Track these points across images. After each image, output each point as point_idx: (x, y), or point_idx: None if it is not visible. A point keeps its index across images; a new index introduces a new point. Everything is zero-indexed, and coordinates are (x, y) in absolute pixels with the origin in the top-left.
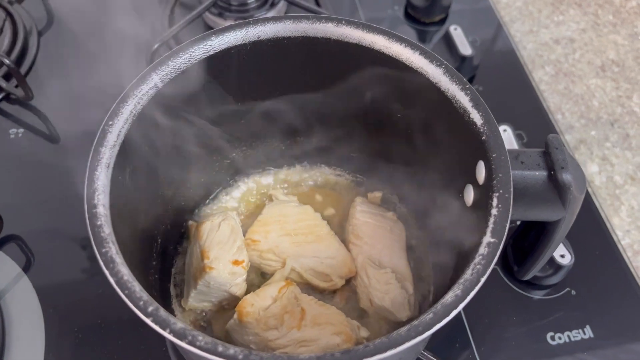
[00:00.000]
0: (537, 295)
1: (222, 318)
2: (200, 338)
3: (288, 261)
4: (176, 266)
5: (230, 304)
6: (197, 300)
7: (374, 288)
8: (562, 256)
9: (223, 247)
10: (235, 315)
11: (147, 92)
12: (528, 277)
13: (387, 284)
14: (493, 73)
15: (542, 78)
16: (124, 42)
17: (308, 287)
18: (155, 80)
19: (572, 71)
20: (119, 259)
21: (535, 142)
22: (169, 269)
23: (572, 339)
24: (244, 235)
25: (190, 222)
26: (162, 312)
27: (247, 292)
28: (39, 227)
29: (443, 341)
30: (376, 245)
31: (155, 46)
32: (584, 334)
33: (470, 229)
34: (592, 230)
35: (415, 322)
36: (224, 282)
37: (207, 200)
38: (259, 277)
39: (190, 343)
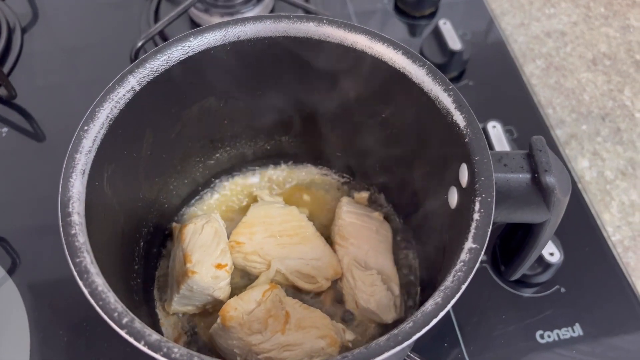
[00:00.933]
0: (527, 293)
1: (207, 322)
2: (175, 350)
3: (273, 263)
4: (160, 269)
5: (214, 307)
6: (180, 305)
7: (359, 290)
8: (552, 254)
9: (206, 251)
10: (218, 320)
11: (124, 95)
12: (515, 277)
13: (372, 286)
14: (483, 67)
15: (533, 72)
16: (109, 39)
17: (293, 289)
18: (132, 83)
19: (563, 65)
20: (93, 269)
21: (525, 138)
22: (153, 272)
23: (562, 336)
24: (229, 237)
25: (174, 224)
26: (137, 324)
27: (232, 294)
28: (25, 227)
29: (431, 340)
30: (362, 246)
31: (140, 43)
32: (573, 331)
33: (454, 231)
34: (582, 227)
35: (395, 332)
36: (207, 287)
37: (192, 201)
38: (243, 279)
39: (166, 355)
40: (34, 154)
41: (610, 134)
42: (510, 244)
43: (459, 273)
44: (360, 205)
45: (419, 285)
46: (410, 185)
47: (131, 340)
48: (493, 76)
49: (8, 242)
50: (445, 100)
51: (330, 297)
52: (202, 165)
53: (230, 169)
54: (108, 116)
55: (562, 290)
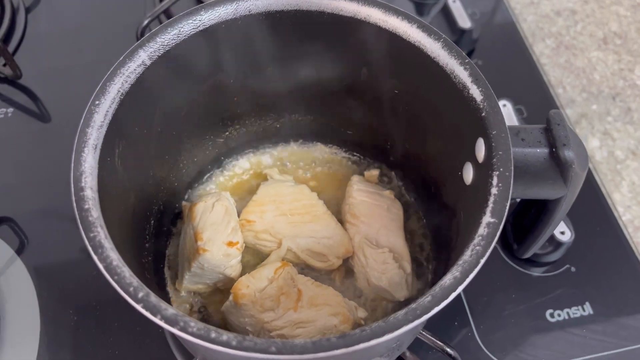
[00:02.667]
0: (536, 272)
1: (217, 300)
2: (192, 324)
3: (284, 241)
4: (170, 248)
5: (225, 285)
6: (191, 283)
7: (371, 268)
8: (562, 233)
9: (217, 229)
10: (230, 297)
11: (135, 69)
12: (527, 255)
13: (384, 264)
14: (492, 46)
15: (542, 51)
16: (114, 19)
17: (305, 268)
18: (143, 57)
19: (573, 44)
20: (107, 244)
21: (535, 117)
22: (163, 251)
23: (572, 315)
24: (239, 216)
25: (184, 203)
26: (153, 298)
27: (243, 273)
28: (32, 208)
29: (442, 320)
30: (373, 224)
31: (146, 22)
32: (584, 310)
33: (469, 207)
34: (592, 206)
35: (413, 306)
36: (218, 264)
37: (201, 180)
38: (254, 258)
39: (182, 329)
40: (39, 135)
41: (621, 113)
42: (523, 221)
43: (478, 247)
44: (371, 183)
45: (430, 262)
46: (422, 162)
47: (147, 314)
48: (502, 55)
49: (16, 223)
50: (462, 74)
51: (340, 275)
52: (212, 144)
53: (240, 148)
54: (119, 91)
55: (573, 269)
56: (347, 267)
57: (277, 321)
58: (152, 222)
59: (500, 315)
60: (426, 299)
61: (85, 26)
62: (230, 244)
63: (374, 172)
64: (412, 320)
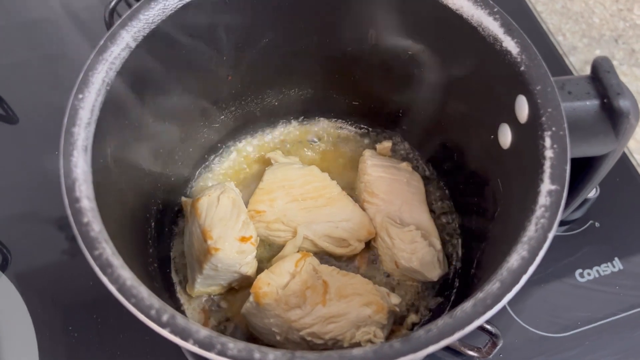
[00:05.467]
0: (559, 231)
1: (233, 300)
2: (230, 346)
3: (299, 230)
4: (174, 249)
5: (240, 284)
6: (204, 286)
7: (398, 249)
8: None
9: (226, 224)
10: (251, 298)
11: (119, 54)
12: (565, 215)
13: (412, 243)
14: None
15: None
16: (73, 7)
17: (324, 256)
18: (127, 39)
19: None
20: (116, 261)
21: None
22: (167, 254)
23: (602, 273)
24: (247, 207)
25: (184, 199)
26: (180, 320)
27: (259, 269)
28: (7, 217)
29: None
30: (394, 201)
31: (112, 3)
32: (613, 266)
33: (510, 174)
34: None
35: (481, 295)
36: (233, 263)
37: (200, 172)
38: (268, 250)
39: (221, 353)
40: (8, 138)
41: (625, 56)
42: None
43: (542, 220)
44: (384, 157)
45: (454, 237)
46: (443, 128)
47: (177, 340)
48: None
49: None
50: (491, 25)
51: (365, 260)
52: (207, 130)
53: (237, 131)
54: (104, 80)
55: (597, 224)
56: (370, 251)
57: (306, 318)
58: (153, 224)
59: (529, 281)
60: (494, 285)
61: (45, 15)
62: (243, 239)
63: (387, 144)
64: (484, 312)
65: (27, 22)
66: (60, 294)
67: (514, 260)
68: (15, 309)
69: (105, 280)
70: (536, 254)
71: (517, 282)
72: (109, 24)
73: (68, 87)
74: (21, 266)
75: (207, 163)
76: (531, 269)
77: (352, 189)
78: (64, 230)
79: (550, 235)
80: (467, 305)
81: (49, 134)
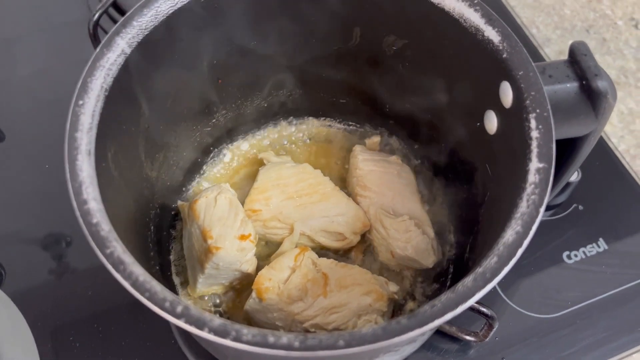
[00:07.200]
0: (544, 216)
1: (235, 299)
2: (245, 331)
3: (296, 226)
4: (174, 252)
5: (241, 282)
6: (205, 286)
7: (393, 238)
8: None
9: (225, 223)
10: (253, 294)
11: (115, 60)
12: (551, 198)
13: (406, 232)
14: None
15: None
16: (59, 16)
17: (321, 250)
18: (122, 45)
19: None
20: (128, 258)
21: None
22: (167, 258)
23: (588, 254)
24: (243, 207)
25: (180, 203)
26: (194, 311)
27: (257, 268)
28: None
29: None
30: (386, 193)
31: (96, 15)
32: (599, 247)
33: (498, 158)
34: None
35: (480, 270)
36: (234, 261)
37: (194, 176)
38: (266, 248)
39: (236, 339)
40: None
41: (597, 45)
42: None
43: (533, 196)
44: (374, 151)
45: (451, 223)
46: (429, 120)
47: (192, 329)
48: None
49: None
50: (472, 16)
51: (360, 252)
52: (200, 134)
53: (229, 134)
54: (102, 86)
55: (580, 207)
56: (365, 243)
57: (308, 310)
58: (152, 227)
59: (519, 265)
60: (492, 260)
61: (28, 29)
62: (243, 237)
63: (375, 139)
64: (484, 286)
65: (10, 39)
66: (59, 305)
67: (509, 235)
68: (17, 325)
69: (118, 277)
70: (530, 228)
71: (513, 255)
72: (93, 37)
73: (54, 103)
74: (17, 282)
75: (200, 166)
76: (526, 242)
77: (344, 184)
78: (49, 250)
79: (542, 210)
80: (468, 280)
81: (36, 151)
